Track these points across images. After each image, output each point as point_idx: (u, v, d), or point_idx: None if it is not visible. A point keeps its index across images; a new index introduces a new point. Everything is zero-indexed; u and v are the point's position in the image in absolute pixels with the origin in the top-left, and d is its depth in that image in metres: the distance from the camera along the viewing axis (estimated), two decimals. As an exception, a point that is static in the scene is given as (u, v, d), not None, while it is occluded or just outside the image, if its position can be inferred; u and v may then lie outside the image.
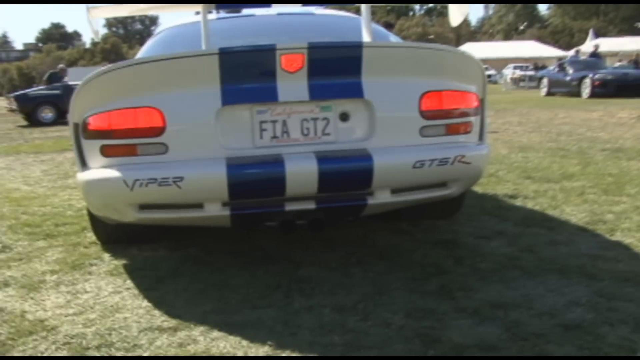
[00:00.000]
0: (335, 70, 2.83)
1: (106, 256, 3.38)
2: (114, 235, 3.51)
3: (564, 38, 56.60)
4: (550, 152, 7.14)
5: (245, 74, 2.79)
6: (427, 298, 2.64)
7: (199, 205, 2.84)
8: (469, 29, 77.44)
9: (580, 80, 19.58)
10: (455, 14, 3.33)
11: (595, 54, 22.67)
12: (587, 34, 46.62)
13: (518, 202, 4.51)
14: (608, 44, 38.05)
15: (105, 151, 2.80)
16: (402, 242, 3.50)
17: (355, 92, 2.86)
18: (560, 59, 34.84)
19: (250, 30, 3.87)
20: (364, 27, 3.22)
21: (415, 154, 2.88)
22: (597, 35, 43.80)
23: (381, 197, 2.96)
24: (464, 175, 3.07)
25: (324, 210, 2.93)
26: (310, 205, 2.90)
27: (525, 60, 43.73)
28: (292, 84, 2.79)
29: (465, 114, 3.05)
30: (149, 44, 4.06)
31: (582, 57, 23.51)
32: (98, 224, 3.46)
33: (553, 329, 2.30)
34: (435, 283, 2.82)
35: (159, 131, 2.75)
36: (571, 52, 31.66)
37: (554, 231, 3.71)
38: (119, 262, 3.25)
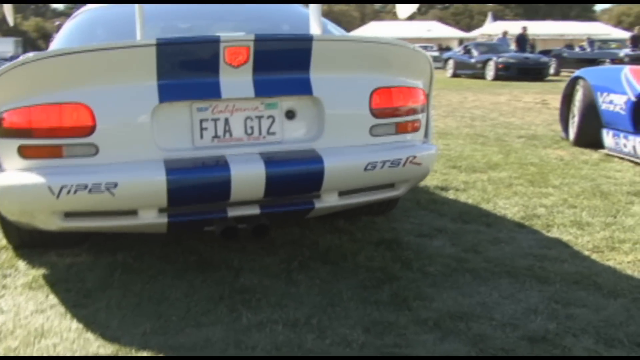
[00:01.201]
0: (283, 64, 2.63)
1: (21, 265, 3.03)
2: (29, 240, 3.15)
3: (464, 20, 58.21)
4: (469, 138, 7.21)
5: (185, 68, 2.54)
6: (383, 309, 2.51)
7: (132, 213, 2.57)
8: (374, 8, 78.22)
9: (485, 63, 20.15)
10: (404, 8, 3.18)
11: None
12: (486, 16, 48.12)
13: (450, 195, 4.47)
14: (506, 27, 39.27)
15: (25, 152, 2.47)
16: (343, 242, 3.36)
17: (303, 88, 2.66)
18: (461, 40, 35.73)
19: (186, 14, 3.57)
20: (313, 18, 3.01)
21: (367, 155, 2.73)
22: (496, 17, 45.25)
23: (328, 200, 2.79)
24: (414, 176, 2.95)
25: (268, 215, 2.74)
26: (254, 210, 2.70)
27: (429, 40, 44.61)
28: (236, 79, 2.57)
29: (413, 111, 2.92)
30: (68, 28, 3.65)
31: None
32: (10, 227, 3.10)
33: (519, 342, 2.23)
34: (387, 291, 2.69)
35: (88, 130, 2.46)
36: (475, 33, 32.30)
37: (493, 228, 3.68)
38: (38, 273, 2.91)
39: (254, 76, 2.60)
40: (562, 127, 7.07)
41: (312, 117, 2.73)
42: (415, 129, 2.97)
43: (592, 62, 19.09)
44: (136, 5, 2.70)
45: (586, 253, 3.21)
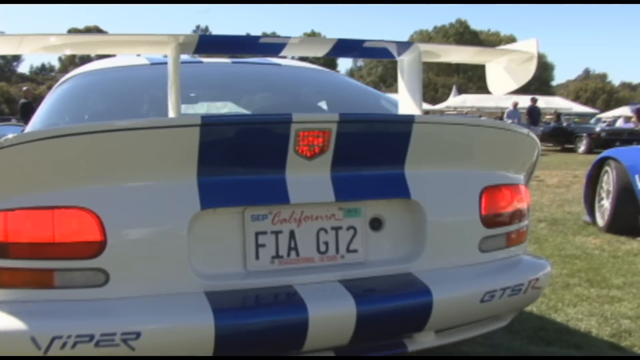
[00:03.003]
0: (372, 156, 1.89)
1: None
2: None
3: (429, 92, 59.07)
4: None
5: (238, 160, 1.77)
6: None
7: None
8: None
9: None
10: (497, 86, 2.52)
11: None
12: (450, 89, 48.83)
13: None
14: (471, 101, 39.69)
15: None
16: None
17: (396, 188, 1.93)
18: (427, 112, 35.75)
19: (199, 83, 2.80)
20: (410, 85, 2.27)
21: (483, 281, 1.98)
22: (460, 91, 45.88)
23: (423, 342, 2.02)
24: (529, 303, 2.20)
25: None
26: (329, 354, 1.90)
27: (395, 112, 44.63)
28: (309, 176, 1.83)
29: (522, 216, 2.21)
30: (53, 99, 2.77)
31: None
32: None
33: None
34: None
35: (95, 248, 1.67)
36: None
37: (584, 350, 2.98)
38: None
39: (333, 172, 1.85)
40: (587, 210, 6.45)
41: (407, 228, 1.98)
42: (523, 239, 2.25)
43: (569, 135, 18.98)
44: (170, 65, 1.94)
45: None
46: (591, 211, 6.34)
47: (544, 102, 33.08)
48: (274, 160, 1.80)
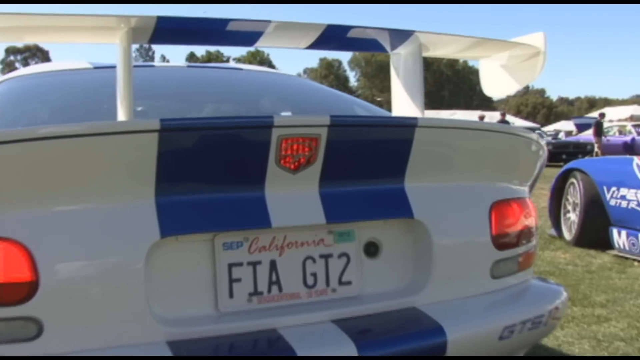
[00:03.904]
0: (367, 168, 1.56)
1: None
2: None
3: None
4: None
5: (206, 175, 1.42)
6: None
7: None
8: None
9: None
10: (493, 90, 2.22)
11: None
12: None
13: None
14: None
15: None
16: None
17: (397, 207, 1.60)
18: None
19: (150, 89, 2.40)
20: (412, 85, 1.94)
21: (501, 314, 1.67)
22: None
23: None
24: (544, 337, 1.91)
25: None
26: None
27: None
28: (294, 193, 1.48)
29: (531, 235, 1.91)
30: None
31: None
32: None
33: None
34: None
35: (23, 291, 1.31)
36: None
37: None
38: None
39: (322, 188, 1.51)
40: (552, 224, 6.27)
41: (408, 253, 1.65)
42: (532, 262, 1.95)
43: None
44: (120, 59, 1.57)
45: None
46: (557, 224, 6.15)
47: (489, 117, 33.57)
48: (250, 174, 1.46)
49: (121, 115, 1.59)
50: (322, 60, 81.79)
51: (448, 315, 1.59)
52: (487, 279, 1.74)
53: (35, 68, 2.60)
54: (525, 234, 1.87)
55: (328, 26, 1.68)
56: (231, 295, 1.48)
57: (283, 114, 2.17)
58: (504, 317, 1.65)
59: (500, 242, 1.76)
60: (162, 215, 1.38)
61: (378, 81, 72.88)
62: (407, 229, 1.65)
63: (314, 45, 1.79)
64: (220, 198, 1.44)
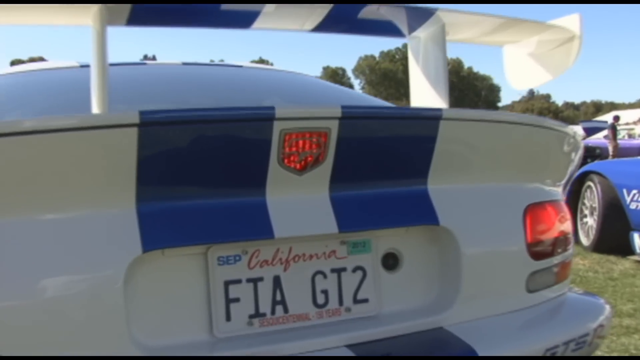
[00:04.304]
0: (384, 167, 1.34)
1: None
2: None
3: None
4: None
5: (196, 177, 1.21)
6: None
7: None
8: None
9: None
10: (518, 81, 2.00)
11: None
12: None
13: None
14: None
15: None
16: None
17: (419, 212, 1.39)
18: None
19: (142, 88, 2.18)
20: (425, 81, 1.72)
21: (541, 334, 1.44)
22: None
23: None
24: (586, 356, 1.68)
25: None
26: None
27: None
28: (300, 197, 1.26)
29: (569, 242, 1.70)
30: None
31: None
32: None
33: None
34: None
35: None
36: None
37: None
38: None
39: (333, 191, 1.30)
40: (568, 229, 6.01)
41: (433, 265, 1.44)
42: (569, 273, 1.74)
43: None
44: (94, 45, 1.36)
45: None
46: (573, 230, 5.90)
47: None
48: (249, 175, 1.24)
49: (95, 109, 1.38)
50: (325, 69, 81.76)
51: (480, 336, 1.37)
52: (523, 293, 1.52)
53: (17, 68, 2.39)
54: (562, 241, 1.65)
55: (335, 5, 1.47)
56: (228, 317, 1.26)
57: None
58: (545, 338, 1.43)
59: (536, 250, 1.54)
60: (144, 226, 1.17)
61: (382, 89, 72.80)
62: (432, 238, 1.43)
63: (320, 28, 1.58)
64: (214, 204, 1.23)
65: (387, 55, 79.07)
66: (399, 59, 75.18)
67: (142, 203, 1.17)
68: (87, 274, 1.14)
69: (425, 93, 1.70)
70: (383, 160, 1.34)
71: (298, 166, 1.25)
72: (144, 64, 2.42)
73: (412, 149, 1.37)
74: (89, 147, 1.11)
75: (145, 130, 1.11)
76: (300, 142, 1.22)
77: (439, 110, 1.36)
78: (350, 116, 1.24)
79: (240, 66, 2.52)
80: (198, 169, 1.20)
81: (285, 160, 1.23)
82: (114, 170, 1.14)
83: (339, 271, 1.35)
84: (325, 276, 1.34)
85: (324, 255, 1.34)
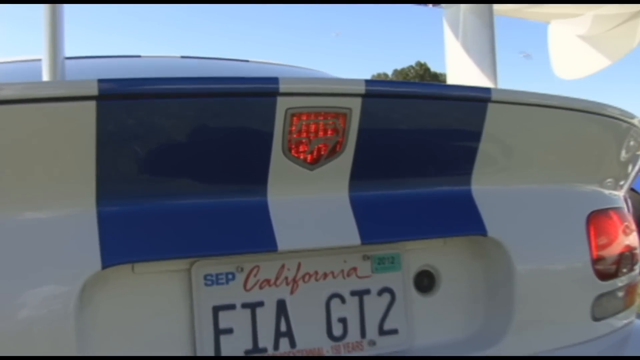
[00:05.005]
0: (417, 161, 1.05)
1: None
2: None
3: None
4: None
5: (176, 169, 0.92)
6: None
7: None
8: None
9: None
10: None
11: None
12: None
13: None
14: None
15: None
16: None
17: (462, 218, 1.10)
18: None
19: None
20: (467, 57, 1.42)
21: None
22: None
23: None
24: None
25: None
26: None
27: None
28: (310, 198, 0.97)
29: (636, 258, 1.39)
30: None
31: None
32: None
33: None
34: None
35: None
36: None
37: None
38: None
39: (353, 190, 1.01)
40: None
41: (479, 286, 1.15)
42: (636, 296, 1.43)
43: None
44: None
45: None
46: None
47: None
48: (245, 169, 0.96)
49: (45, 74, 1.11)
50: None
51: None
52: (588, 321, 1.23)
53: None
54: (628, 258, 1.35)
55: None
56: (218, 353, 0.97)
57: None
58: None
59: (602, 268, 1.25)
60: (106, 233, 0.88)
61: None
62: (476, 252, 1.15)
63: None
64: (199, 206, 0.95)
65: (400, 73, 79.06)
66: (412, 76, 75.14)
67: (103, 202, 0.89)
68: (26, 295, 0.85)
69: (465, 72, 1.41)
70: (416, 152, 1.06)
71: (309, 157, 0.97)
72: (139, 56, 2.15)
73: (453, 138, 1.08)
74: (27, 127, 0.83)
75: (107, 105, 0.83)
76: (312, 125, 0.94)
77: (487, 90, 1.08)
78: (377, 93, 0.96)
79: (247, 60, 2.26)
80: (178, 159, 0.92)
81: (292, 150, 0.95)
82: (63, 158, 0.86)
83: (360, 294, 1.06)
84: (343, 300, 1.05)
85: (341, 273, 1.05)
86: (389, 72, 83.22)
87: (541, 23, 1.61)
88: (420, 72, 75.46)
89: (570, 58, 1.65)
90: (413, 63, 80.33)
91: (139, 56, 2.17)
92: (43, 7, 1.12)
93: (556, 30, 1.62)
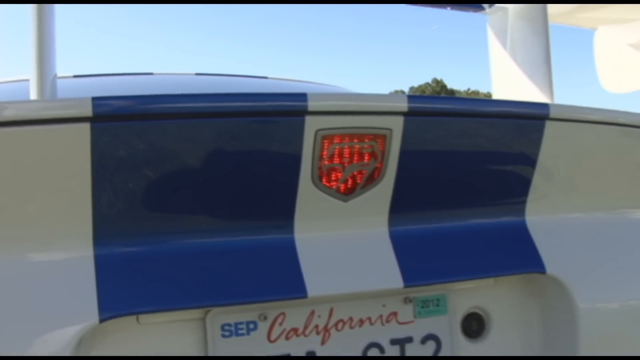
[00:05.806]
0: (466, 190, 0.91)
1: None
2: None
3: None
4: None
5: (188, 201, 0.78)
6: None
7: None
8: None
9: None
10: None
11: None
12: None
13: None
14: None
15: None
16: None
17: (517, 255, 0.95)
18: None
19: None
20: (515, 67, 1.28)
21: None
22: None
23: None
24: None
25: None
26: None
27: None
28: (345, 233, 0.83)
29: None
30: None
31: None
32: None
33: None
34: None
35: None
36: None
37: None
38: None
39: (393, 225, 0.87)
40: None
41: (536, 330, 1.00)
42: None
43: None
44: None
45: None
46: None
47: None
48: (268, 202, 0.83)
49: (33, 92, 0.99)
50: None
51: None
52: None
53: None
54: None
55: None
56: (236, 418, 0.83)
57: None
58: None
59: None
60: (104, 279, 0.75)
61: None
62: (532, 291, 1.00)
63: None
64: (214, 246, 0.82)
65: (417, 90, 79.04)
66: (429, 94, 74.99)
67: (101, 243, 0.76)
68: (14, 352, 0.72)
69: (515, 88, 1.26)
70: (464, 178, 0.91)
71: (342, 187, 0.83)
72: (151, 74, 2.04)
73: (506, 161, 0.94)
74: (11, 154, 0.70)
75: (101, 127, 0.70)
76: (346, 149, 0.81)
77: (545, 105, 0.94)
78: (421, 111, 0.83)
79: (266, 77, 2.13)
80: (189, 191, 0.79)
81: (324, 179, 0.82)
82: (54, 191, 0.73)
83: (402, 342, 0.92)
84: (382, 350, 0.91)
85: (380, 319, 0.91)
86: (406, 89, 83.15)
87: (587, 30, 1.47)
88: (437, 89, 75.27)
89: (619, 69, 1.50)
90: (429, 80, 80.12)
91: (151, 74, 2.06)
92: (31, 14, 1.00)
93: (604, 38, 1.48)
